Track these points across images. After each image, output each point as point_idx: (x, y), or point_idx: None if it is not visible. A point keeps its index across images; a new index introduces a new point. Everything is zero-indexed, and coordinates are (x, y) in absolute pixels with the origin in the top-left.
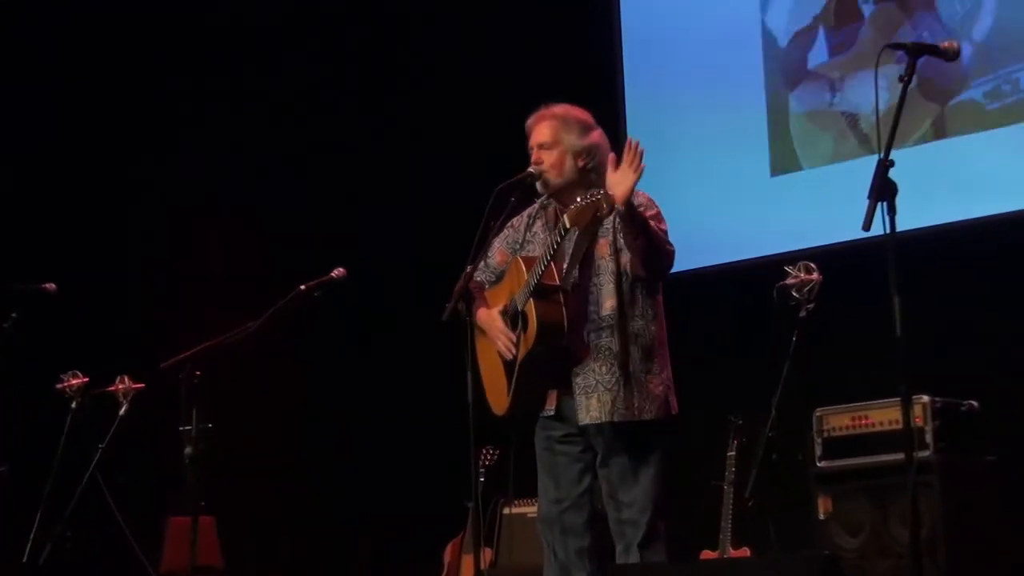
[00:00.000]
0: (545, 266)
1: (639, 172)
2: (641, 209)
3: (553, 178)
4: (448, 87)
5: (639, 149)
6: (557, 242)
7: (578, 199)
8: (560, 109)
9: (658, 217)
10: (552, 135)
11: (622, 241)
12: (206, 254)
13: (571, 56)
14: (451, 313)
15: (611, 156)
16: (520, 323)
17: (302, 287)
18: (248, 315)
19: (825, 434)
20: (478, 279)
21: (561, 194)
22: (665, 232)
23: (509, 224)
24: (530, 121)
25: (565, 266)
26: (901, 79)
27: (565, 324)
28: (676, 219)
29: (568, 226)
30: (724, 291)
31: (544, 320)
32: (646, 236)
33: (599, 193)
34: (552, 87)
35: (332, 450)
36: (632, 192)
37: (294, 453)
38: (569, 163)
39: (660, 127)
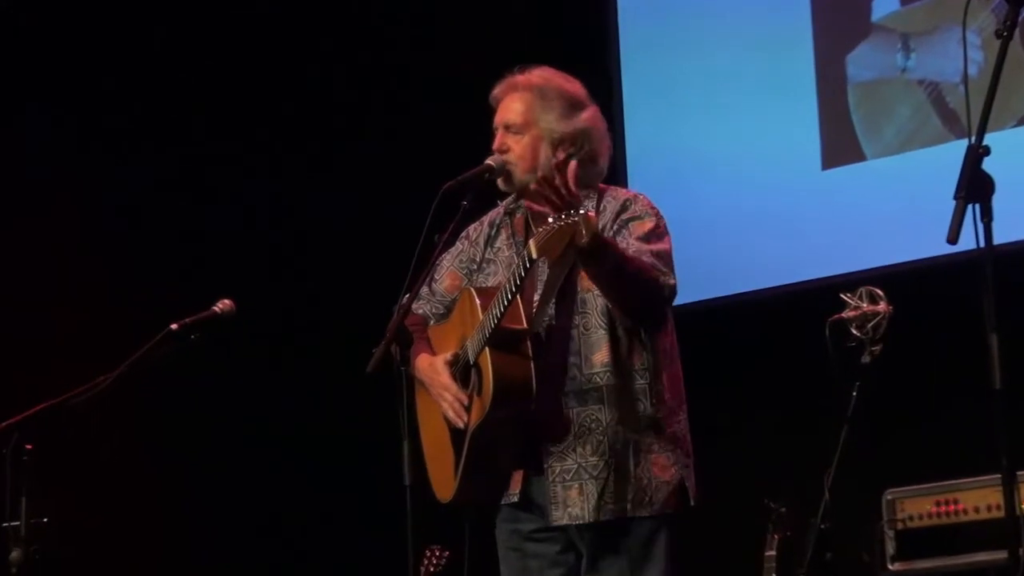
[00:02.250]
0: (507, 303)
1: (562, 189)
2: (635, 222)
3: (521, 173)
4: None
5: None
6: (521, 275)
7: (549, 220)
8: (538, 77)
9: (656, 233)
10: (524, 114)
11: None
12: (40, 282)
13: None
14: (380, 362)
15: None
16: (473, 380)
17: (173, 326)
18: (101, 366)
19: (899, 525)
20: (419, 312)
21: (535, 196)
22: (664, 254)
23: (463, 235)
24: (497, 91)
25: (536, 301)
26: (999, 34)
27: (534, 385)
28: (691, 234)
29: (534, 256)
30: (758, 329)
31: (503, 378)
32: (619, 277)
33: (576, 214)
34: (519, 50)
35: (221, 548)
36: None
37: (167, 553)
38: (545, 153)
39: (668, 105)
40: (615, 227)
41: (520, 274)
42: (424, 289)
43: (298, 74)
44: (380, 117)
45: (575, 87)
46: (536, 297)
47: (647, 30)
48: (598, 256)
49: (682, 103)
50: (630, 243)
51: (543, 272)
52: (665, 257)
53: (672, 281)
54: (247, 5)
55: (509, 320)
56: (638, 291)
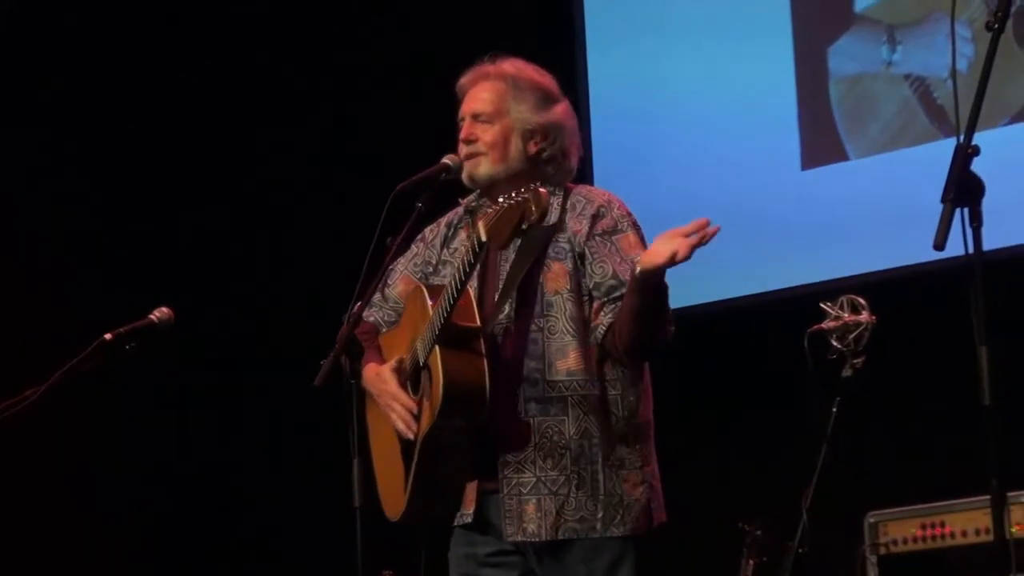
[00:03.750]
0: (456, 295)
1: (689, 251)
2: (619, 236)
3: (490, 165)
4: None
5: (710, 229)
6: (470, 262)
7: (500, 199)
8: (511, 66)
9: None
10: (495, 103)
11: (594, 270)
12: None
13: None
14: (328, 375)
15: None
16: (423, 383)
17: (107, 336)
18: (29, 379)
19: (882, 550)
20: (371, 319)
21: (499, 191)
22: None
23: (419, 237)
24: (464, 80)
25: (495, 297)
26: (989, 27)
27: (487, 387)
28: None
29: (483, 237)
30: (732, 340)
31: (454, 378)
32: (656, 320)
33: (529, 190)
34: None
35: (157, 572)
36: (663, 268)
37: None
38: (516, 145)
39: (641, 101)
40: (596, 237)
41: (469, 260)
42: (376, 296)
43: (246, 76)
44: (328, 114)
45: (547, 80)
46: (496, 294)
47: (615, 20)
48: (651, 291)
49: (652, 98)
50: (623, 259)
51: (503, 270)
52: None
53: (674, 328)
54: None
55: (461, 317)
56: (660, 333)
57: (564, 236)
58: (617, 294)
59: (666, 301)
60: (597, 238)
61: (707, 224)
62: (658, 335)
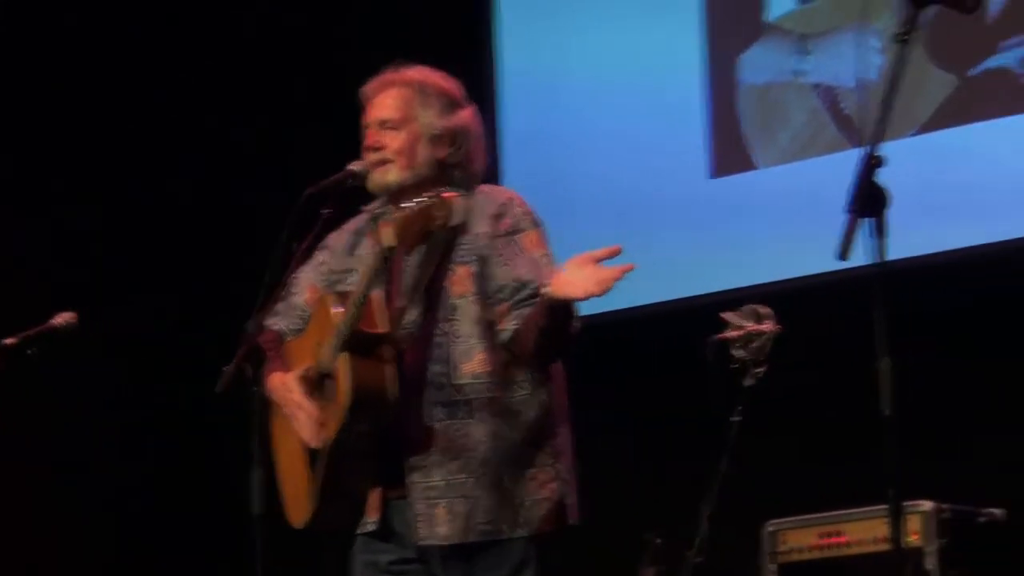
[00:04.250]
0: (361, 303)
1: (605, 290)
2: (521, 235)
3: (397, 171)
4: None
5: (625, 266)
6: (376, 267)
7: (405, 204)
8: (416, 72)
9: (547, 251)
10: (401, 109)
11: (497, 273)
12: None
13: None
14: (230, 381)
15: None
16: (329, 390)
17: (8, 341)
18: None
19: (781, 559)
20: (275, 328)
21: (405, 198)
22: None
23: (323, 245)
24: (368, 88)
25: (401, 302)
26: (898, 38)
27: (393, 392)
28: (567, 246)
29: (389, 243)
30: (635, 349)
31: (359, 384)
32: (562, 335)
33: (436, 194)
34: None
35: None
36: (565, 301)
37: None
38: (424, 151)
39: (549, 110)
40: (498, 238)
41: (375, 266)
42: (281, 304)
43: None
44: (229, 120)
45: (452, 85)
46: (403, 301)
47: (525, 23)
48: (558, 314)
49: (561, 104)
50: (527, 259)
51: (408, 275)
52: None
53: (579, 324)
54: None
55: (367, 323)
56: (566, 342)
57: (468, 238)
58: (521, 296)
59: (572, 319)
60: (500, 239)
61: (619, 251)
62: (564, 344)
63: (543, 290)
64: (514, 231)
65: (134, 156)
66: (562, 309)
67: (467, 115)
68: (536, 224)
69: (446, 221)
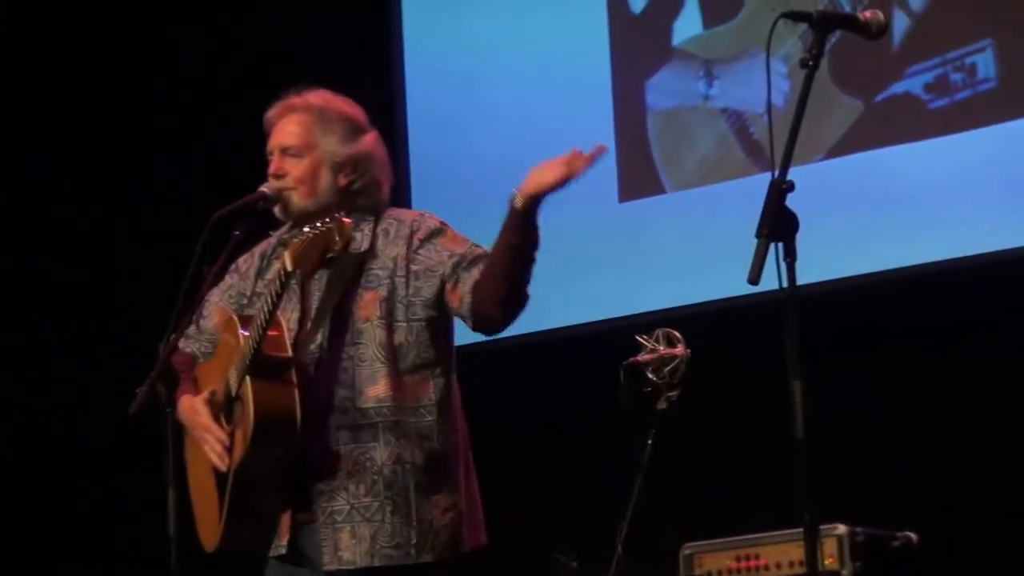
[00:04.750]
0: (264, 326)
1: (570, 173)
2: (440, 237)
3: (300, 199)
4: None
5: (596, 152)
6: (277, 292)
7: (305, 228)
8: (317, 98)
9: (473, 243)
10: (303, 136)
11: (406, 293)
12: None
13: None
14: (144, 403)
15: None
16: (236, 413)
17: None
18: None
19: None
20: (187, 351)
21: (310, 224)
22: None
23: (232, 268)
24: (271, 114)
25: (308, 327)
26: (804, 63)
27: (298, 415)
28: None
29: (288, 267)
30: (548, 372)
31: (265, 408)
32: (530, 258)
33: (332, 219)
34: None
35: None
36: (549, 191)
37: None
38: (326, 178)
39: (455, 133)
40: (419, 250)
41: (276, 290)
42: (191, 328)
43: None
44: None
45: (355, 110)
46: (309, 323)
47: (430, 41)
48: (529, 222)
49: (468, 126)
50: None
51: (315, 299)
52: None
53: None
54: None
55: (272, 347)
56: (523, 285)
57: (377, 263)
58: (464, 264)
59: (535, 244)
60: (420, 250)
61: (581, 153)
62: (528, 275)
63: (512, 195)
64: (432, 236)
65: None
66: (532, 219)
67: (370, 140)
68: (449, 227)
69: (346, 245)
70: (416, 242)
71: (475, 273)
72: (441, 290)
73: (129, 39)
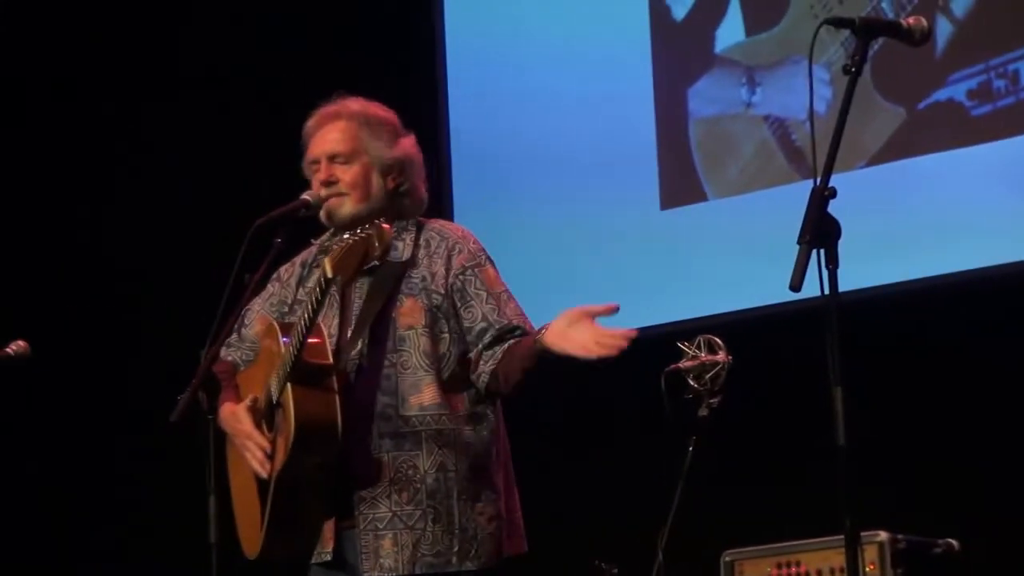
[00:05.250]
0: (305, 332)
1: (607, 352)
2: (479, 270)
3: (353, 205)
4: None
5: (628, 335)
6: (318, 299)
7: (346, 235)
8: (357, 105)
9: (506, 295)
10: (350, 142)
11: (448, 308)
12: None
13: (373, 46)
14: (185, 411)
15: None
16: (278, 420)
17: None
18: None
19: None
20: (228, 359)
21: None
22: (521, 314)
23: (274, 277)
24: (311, 124)
25: (349, 334)
26: (847, 70)
27: (339, 423)
28: (519, 276)
29: (330, 274)
30: (590, 379)
31: (306, 415)
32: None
33: (372, 225)
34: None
35: None
36: (572, 354)
37: None
38: (377, 183)
39: (497, 139)
40: (459, 276)
41: (317, 296)
42: (233, 336)
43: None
44: (186, 147)
45: (392, 115)
46: (350, 330)
47: (476, 52)
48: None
49: (512, 135)
50: (488, 298)
51: (356, 306)
52: (522, 312)
53: None
54: None
55: (313, 355)
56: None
57: (418, 273)
58: (487, 340)
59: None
60: (460, 277)
61: (617, 309)
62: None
63: (538, 339)
64: (472, 266)
65: (79, 181)
66: (551, 356)
67: (409, 143)
68: (490, 260)
69: (385, 251)
70: (457, 265)
71: (499, 355)
72: (463, 337)
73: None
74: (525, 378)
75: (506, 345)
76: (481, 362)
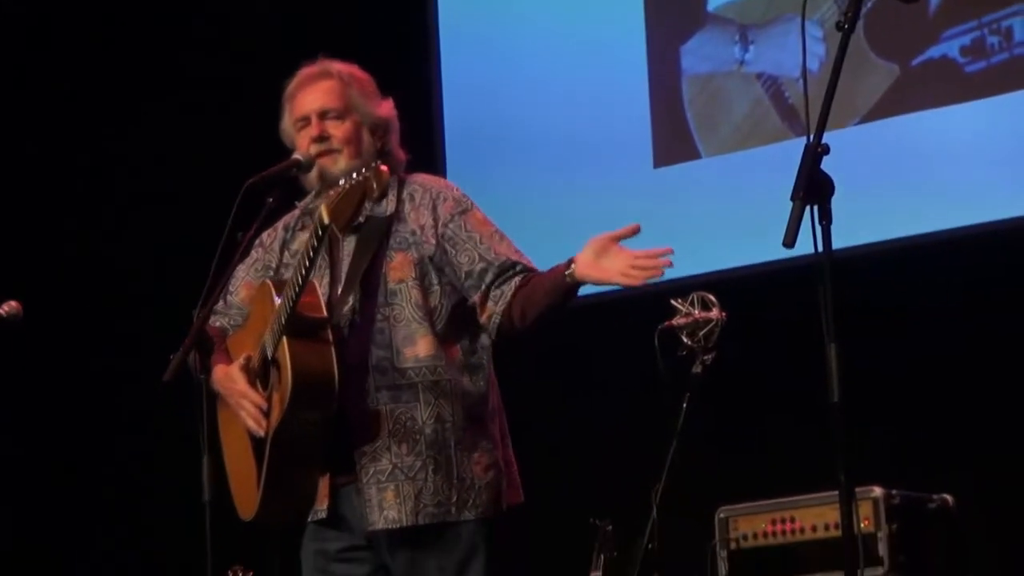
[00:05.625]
0: (301, 284)
1: (643, 277)
2: (464, 216)
3: (347, 161)
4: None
5: (665, 251)
6: (314, 246)
7: (341, 182)
8: (341, 66)
9: (498, 234)
10: (344, 99)
11: (437, 259)
12: None
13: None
14: (178, 370)
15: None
16: (273, 378)
17: None
18: None
19: (732, 545)
20: (216, 324)
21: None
22: (515, 248)
23: (257, 243)
24: (295, 83)
25: (339, 291)
26: (840, 27)
27: (336, 376)
28: (511, 234)
29: (327, 220)
30: (583, 337)
31: (303, 369)
32: (562, 310)
33: (369, 168)
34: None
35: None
36: (608, 282)
37: None
38: (367, 139)
39: (492, 108)
40: (448, 224)
41: (313, 245)
42: (219, 303)
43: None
44: (177, 109)
45: (369, 77)
46: (340, 286)
47: (468, 16)
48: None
49: (504, 94)
50: (481, 238)
51: (345, 263)
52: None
53: None
54: None
55: (307, 308)
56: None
57: (405, 227)
58: (488, 279)
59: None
60: (449, 225)
61: (639, 230)
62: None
63: (569, 273)
64: (457, 214)
65: (73, 144)
66: (576, 290)
67: (389, 106)
68: (475, 205)
69: (382, 194)
70: (445, 214)
71: (507, 294)
72: (464, 287)
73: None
74: (548, 314)
75: (514, 282)
76: (490, 302)
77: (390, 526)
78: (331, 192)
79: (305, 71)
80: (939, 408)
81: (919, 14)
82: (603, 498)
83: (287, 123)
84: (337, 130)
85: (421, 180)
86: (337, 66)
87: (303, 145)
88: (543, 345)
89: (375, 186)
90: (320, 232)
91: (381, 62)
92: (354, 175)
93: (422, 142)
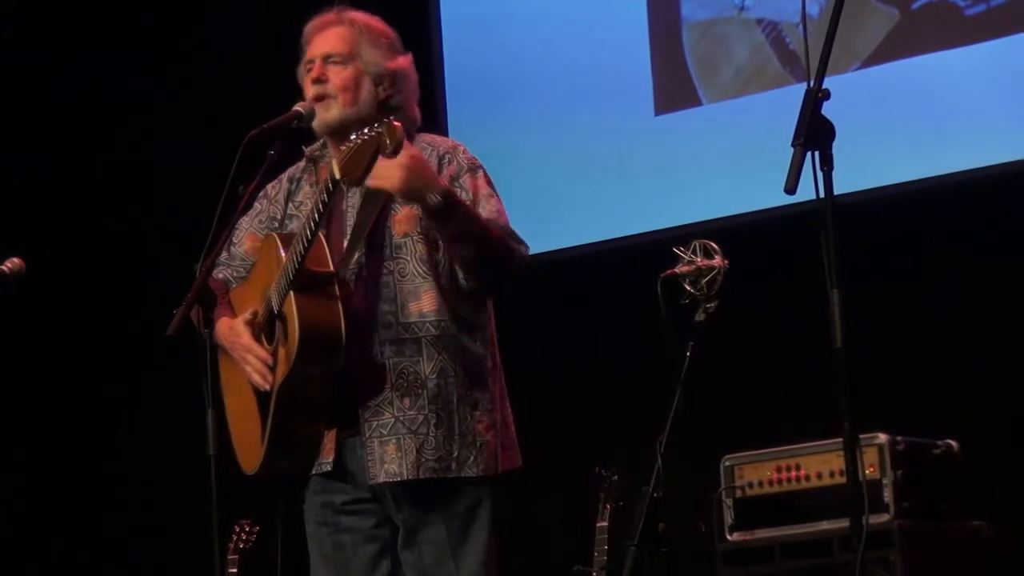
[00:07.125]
0: (309, 239)
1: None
2: (467, 176)
3: (341, 107)
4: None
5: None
6: (324, 201)
7: (352, 136)
8: (359, 15)
9: (487, 194)
10: (349, 45)
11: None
12: None
13: None
14: (181, 324)
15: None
16: (278, 332)
17: None
18: None
19: (738, 493)
20: (219, 276)
21: (347, 136)
22: (502, 216)
23: (261, 194)
24: (310, 27)
25: (345, 244)
26: None
27: (343, 330)
28: (512, 183)
29: (338, 175)
30: (585, 285)
31: (309, 323)
32: (470, 241)
33: (382, 123)
34: None
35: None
36: (408, 184)
37: None
38: (367, 88)
39: (492, 51)
40: (451, 181)
41: (323, 199)
42: (223, 254)
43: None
44: (179, 63)
45: (392, 32)
46: (345, 240)
47: None
48: (448, 213)
49: (504, 42)
50: (477, 202)
51: (351, 217)
52: (503, 217)
53: (525, 249)
54: None
55: (314, 263)
56: (493, 254)
57: None
58: None
59: (467, 221)
60: (459, 179)
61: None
62: (494, 256)
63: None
64: (462, 173)
65: (76, 101)
66: (428, 211)
67: (406, 61)
68: (480, 166)
69: (395, 150)
70: (447, 175)
71: None
72: None
73: None
74: (468, 256)
75: None
76: None
77: (391, 479)
78: (342, 147)
79: (323, 15)
80: (944, 354)
81: None
82: (608, 448)
83: (301, 66)
84: (336, 76)
85: (430, 139)
86: (355, 14)
87: (306, 87)
88: (544, 294)
89: (388, 142)
90: (331, 187)
91: (382, 3)
92: (366, 130)
93: (423, 90)
